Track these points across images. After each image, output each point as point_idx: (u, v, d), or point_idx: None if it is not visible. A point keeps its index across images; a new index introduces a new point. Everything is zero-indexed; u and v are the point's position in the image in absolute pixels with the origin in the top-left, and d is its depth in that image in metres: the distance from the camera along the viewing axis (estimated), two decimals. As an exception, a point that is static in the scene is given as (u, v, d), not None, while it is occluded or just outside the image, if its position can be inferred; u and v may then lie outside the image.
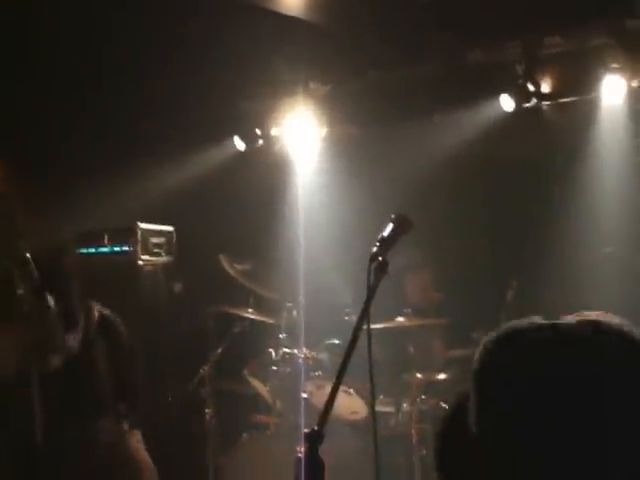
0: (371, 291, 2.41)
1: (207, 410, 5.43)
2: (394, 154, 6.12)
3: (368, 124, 6.31)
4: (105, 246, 6.48)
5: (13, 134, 6.44)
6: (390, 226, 2.44)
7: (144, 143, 6.53)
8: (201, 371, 5.41)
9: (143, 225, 6.39)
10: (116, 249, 6.44)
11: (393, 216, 2.49)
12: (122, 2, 4.66)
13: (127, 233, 6.40)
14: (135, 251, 6.36)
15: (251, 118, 6.51)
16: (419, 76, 6.06)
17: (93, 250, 6.54)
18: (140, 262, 6.38)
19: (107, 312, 4.23)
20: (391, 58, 5.88)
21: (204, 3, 4.78)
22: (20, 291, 3.81)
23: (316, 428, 2.07)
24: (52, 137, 6.56)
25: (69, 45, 5.18)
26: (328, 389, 4.85)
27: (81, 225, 6.64)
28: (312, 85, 6.38)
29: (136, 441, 4.06)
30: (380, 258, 2.39)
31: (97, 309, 4.19)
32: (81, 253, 6.61)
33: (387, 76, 6.19)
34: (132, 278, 6.39)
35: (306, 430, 2.06)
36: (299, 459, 2.01)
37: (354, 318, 5.12)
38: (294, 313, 5.22)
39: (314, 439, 2.03)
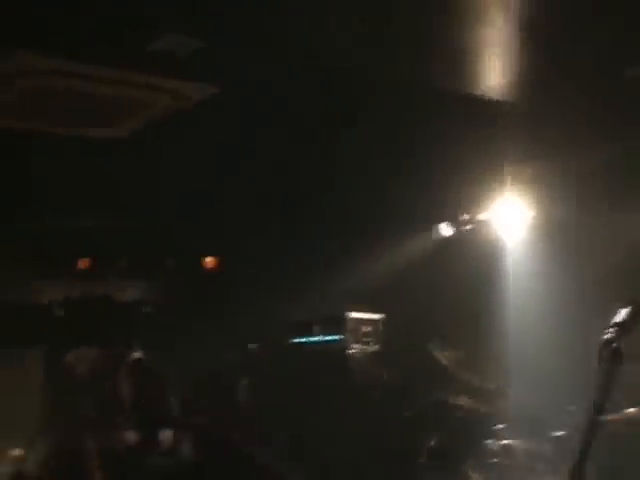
0: (607, 381, 2.22)
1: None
2: (604, 238, 5.80)
3: (577, 206, 6.05)
4: (316, 335, 6.61)
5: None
6: (626, 311, 2.26)
7: (354, 230, 6.65)
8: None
9: (353, 314, 6.46)
10: (327, 338, 6.54)
11: (631, 301, 2.31)
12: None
13: (337, 322, 6.49)
14: (345, 340, 6.42)
15: (457, 203, 6.45)
16: (630, 157, 5.75)
17: (304, 339, 6.69)
18: (350, 351, 6.42)
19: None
20: (598, 137, 5.64)
21: (406, 91, 4.85)
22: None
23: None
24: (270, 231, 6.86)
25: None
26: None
27: (292, 311, 6.83)
28: (518, 168, 6.25)
29: None
30: (614, 345, 2.20)
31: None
32: (293, 342, 6.80)
33: (595, 157, 5.94)
34: (342, 367, 6.43)
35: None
36: None
37: (576, 408, 4.82)
38: (512, 403, 4.98)
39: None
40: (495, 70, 4.69)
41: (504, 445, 4.88)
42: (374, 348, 6.37)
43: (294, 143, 5.45)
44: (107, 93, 4.33)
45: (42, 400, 5.93)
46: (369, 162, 5.59)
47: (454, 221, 6.43)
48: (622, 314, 2.26)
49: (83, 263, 6.87)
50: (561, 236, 6.03)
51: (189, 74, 4.19)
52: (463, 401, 5.26)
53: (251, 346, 3.96)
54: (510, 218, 6.22)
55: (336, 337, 6.49)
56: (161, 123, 4.83)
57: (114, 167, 5.59)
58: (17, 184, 5.79)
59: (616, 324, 2.25)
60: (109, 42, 3.77)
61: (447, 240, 6.52)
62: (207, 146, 5.33)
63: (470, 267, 6.41)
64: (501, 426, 4.95)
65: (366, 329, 6.44)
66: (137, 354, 4.52)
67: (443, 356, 5.60)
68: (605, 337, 2.28)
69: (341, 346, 6.45)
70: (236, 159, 5.61)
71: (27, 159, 5.36)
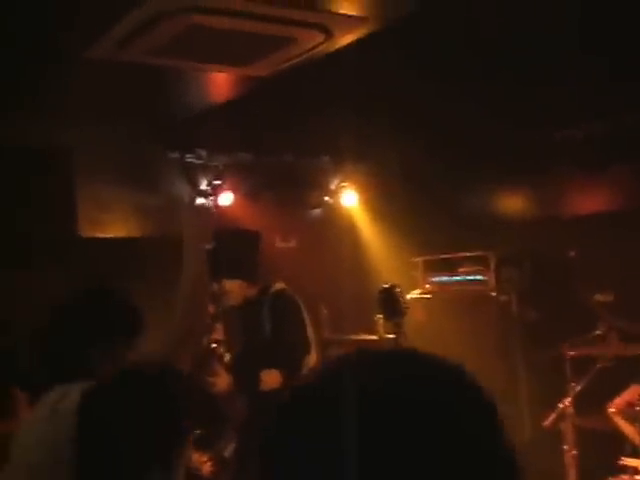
0: None
1: (565, 447, 5.19)
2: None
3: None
4: (458, 274, 6.54)
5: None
6: None
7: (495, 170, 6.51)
8: (560, 405, 5.19)
9: (497, 253, 6.35)
10: (469, 278, 6.47)
11: None
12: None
13: (481, 262, 6.40)
14: (488, 280, 6.33)
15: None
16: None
17: (446, 278, 6.64)
18: (493, 292, 6.34)
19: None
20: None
21: None
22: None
23: None
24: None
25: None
26: None
27: (433, 249, 6.79)
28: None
29: None
30: None
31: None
32: (434, 281, 6.77)
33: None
34: (486, 307, 6.37)
35: None
36: None
37: None
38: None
39: None
40: None
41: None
42: (518, 288, 6.25)
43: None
44: (254, 30, 4.33)
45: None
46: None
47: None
48: None
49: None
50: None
51: (341, 10, 4.13)
52: (609, 345, 5.12)
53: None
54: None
55: (479, 277, 6.42)
56: (310, 62, 4.82)
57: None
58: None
59: None
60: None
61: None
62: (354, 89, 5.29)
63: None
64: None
65: (510, 269, 6.32)
66: (281, 284, 4.61)
67: (590, 300, 5.45)
68: None
69: (484, 286, 6.38)
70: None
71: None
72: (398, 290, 3.24)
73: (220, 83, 5.47)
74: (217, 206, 6.91)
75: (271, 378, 4.25)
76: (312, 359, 4.45)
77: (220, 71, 5.10)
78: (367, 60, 4.89)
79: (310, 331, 4.50)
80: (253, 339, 4.48)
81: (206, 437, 4.25)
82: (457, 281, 6.55)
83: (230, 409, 4.48)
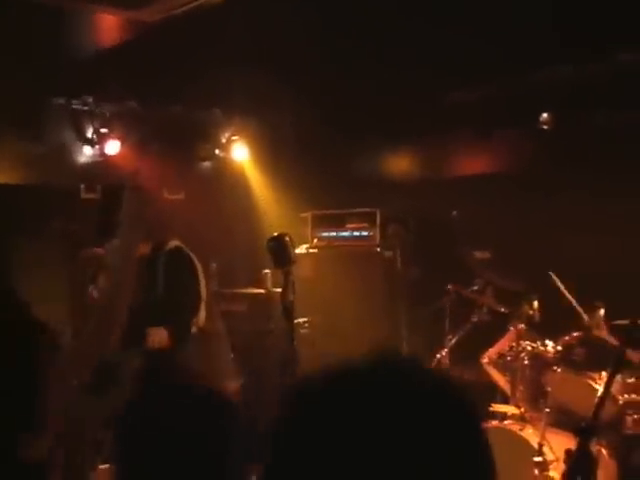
0: None
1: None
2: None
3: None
4: (345, 230, 6.66)
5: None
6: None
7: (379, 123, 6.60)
8: (437, 356, 5.40)
9: (383, 211, 6.49)
10: (356, 234, 6.60)
11: None
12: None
13: (368, 218, 6.53)
14: (374, 237, 6.48)
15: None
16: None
17: (334, 234, 6.75)
18: (378, 248, 6.49)
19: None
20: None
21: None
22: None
23: (589, 423, 1.98)
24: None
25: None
26: (571, 384, 4.67)
27: (322, 206, 6.87)
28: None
29: None
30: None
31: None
32: (322, 236, 6.87)
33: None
34: (370, 263, 6.52)
35: (583, 424, 1.98)
36: (570, 452, 1.93)
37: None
38: (535, 304, 5.05)
39: (587, 433, 1.95)
40: None
41: (525, 344, 4.97)
42: (403, 245, 6.42)
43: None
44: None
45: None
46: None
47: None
48: None
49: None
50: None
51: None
52: (487, 300, 5.33)
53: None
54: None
55: (365, 233, 6.55)
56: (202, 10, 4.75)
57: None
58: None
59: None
60: None
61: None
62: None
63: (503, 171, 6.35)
64: (522, 326, 5.03)
65: (396, 226, 6.48)
66: (175, 242, 4.57)
67: (470, 257, 5.65)
68: None
69: (369, 242, 6.52)
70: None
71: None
72: (287, 239, 3.28)
73: (109, 27, 5.33)
74: (103, 155, 6.75)
75: (158, 336, 4.24)
76: (201, 317, 4.47)
77: (109, 13, 4.97)
78: (257, 12, 4.87)
79: (203, 291, 4.50)
80: (146, 295, 4.44)
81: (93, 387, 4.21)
82: (344, 237, 6.67)
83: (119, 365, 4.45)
